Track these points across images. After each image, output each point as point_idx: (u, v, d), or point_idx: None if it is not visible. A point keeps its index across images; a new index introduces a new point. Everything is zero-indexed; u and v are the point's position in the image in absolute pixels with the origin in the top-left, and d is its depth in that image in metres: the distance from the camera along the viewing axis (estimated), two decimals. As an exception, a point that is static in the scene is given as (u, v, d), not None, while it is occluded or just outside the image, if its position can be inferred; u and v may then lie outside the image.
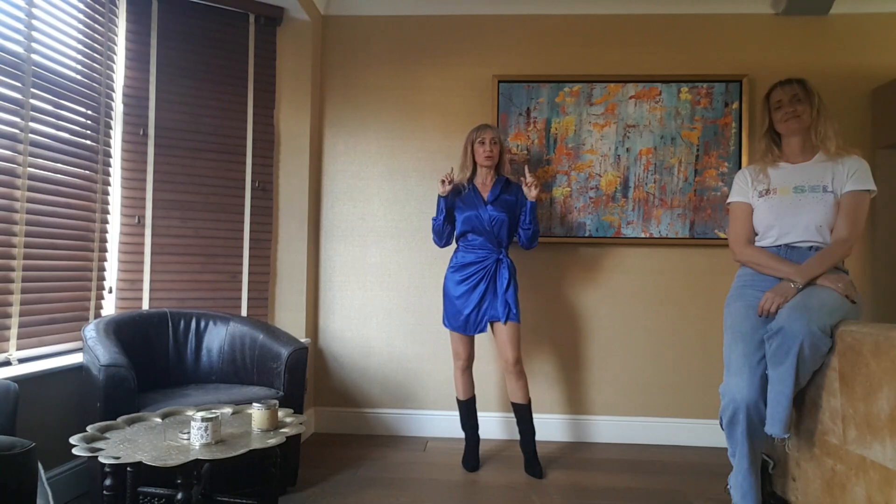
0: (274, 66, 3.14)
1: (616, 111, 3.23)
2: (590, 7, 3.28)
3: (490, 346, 3.14)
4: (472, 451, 2.80)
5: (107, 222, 2.67)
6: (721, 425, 1.97)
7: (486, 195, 2.75)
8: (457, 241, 2.82)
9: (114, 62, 2.70)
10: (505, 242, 2.75)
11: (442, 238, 2.83)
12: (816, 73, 3.08)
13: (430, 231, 2.91)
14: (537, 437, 2.74)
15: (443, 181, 2.71)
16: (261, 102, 3.08)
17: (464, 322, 2.72)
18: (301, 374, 2.43)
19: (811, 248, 2.02)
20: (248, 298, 3.02)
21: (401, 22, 3.35)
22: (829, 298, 1.85)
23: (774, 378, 1.82)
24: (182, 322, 2.64)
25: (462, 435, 2.86)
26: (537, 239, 2.80)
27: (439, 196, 2.74)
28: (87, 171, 2.53)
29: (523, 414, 2.70)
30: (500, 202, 2.73)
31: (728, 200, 2.27)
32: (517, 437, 2.76)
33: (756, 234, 2.17)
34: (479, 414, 2.88)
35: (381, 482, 2.55)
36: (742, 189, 2.20)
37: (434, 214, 2.82)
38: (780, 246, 2.07)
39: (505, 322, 2.66)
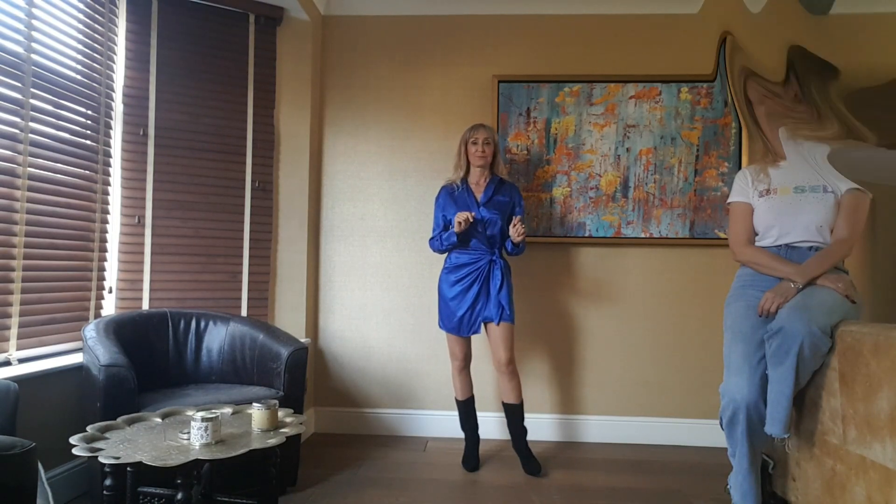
0: (274, 66, 3.14)
1: (616, 111, 3.23)
2: (590, 7, 3.28)
3: (487, 346, 3.14)
4: (472, 451, 2.79)
5: (107, 222, 2.67)
6: (721, 425, 1.96)
7: (479, 196, 2.75)
8: None
9: (114, 62, 2.70)
10: (498, 243, 2.76)
11: (442, 252, 2.85)
12: (816, 73, 3.08)
13: (429, 231, 2.91)
14: (537, 437, 2.75)
15: (459, 223, 2.60)
16: (261, 102, 3.08)
17: (458, 323, 2.72)
18: (301, 374, 2.43)
19: (811, 248, 2.02)
20: (248, 298, 3.02)
21: (401, 22, 3.35)
22: (829, 298, 1.85)
23: (774, 378, 1.81)
24: (182, 322, 2.64)
25: (462, 435, 2.86)
26: (523, 250, 2.79)
27: (453, 231, 2.65)
28: (87, 171, 2.53)
29: (516, 414, 2.71)
30: (493, 203, 2.73)
31: (728, 200, 2.27)
32: (516, 437, 2.76)
33: (756, 234, 2.16)
34: (478, 414, 2.88)
35: (381, 482, 2.55)
36: (742, 189, 2.20)
37: (434, 234, 2.82)
38: (781, 246, 2.07)
39: (498, 323, 2.67)
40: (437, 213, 2.84)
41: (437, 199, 2.85)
